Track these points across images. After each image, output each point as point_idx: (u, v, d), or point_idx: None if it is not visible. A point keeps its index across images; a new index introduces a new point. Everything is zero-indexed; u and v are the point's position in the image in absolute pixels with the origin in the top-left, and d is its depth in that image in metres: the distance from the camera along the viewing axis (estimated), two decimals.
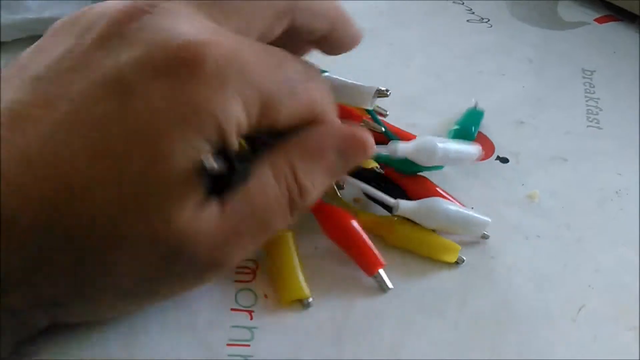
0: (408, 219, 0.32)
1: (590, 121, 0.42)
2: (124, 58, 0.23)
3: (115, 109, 0.23)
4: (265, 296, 0.31)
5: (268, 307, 0.30)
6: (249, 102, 0.24)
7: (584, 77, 0.45)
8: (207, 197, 0.24)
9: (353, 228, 0.31)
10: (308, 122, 0.27)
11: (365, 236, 0.31)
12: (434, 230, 0.33)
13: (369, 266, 0.31)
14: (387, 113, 0.37)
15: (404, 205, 0.32)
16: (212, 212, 0.24)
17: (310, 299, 0.30)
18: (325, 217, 0.32)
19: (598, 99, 0.44)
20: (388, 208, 0.33)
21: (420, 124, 0.40)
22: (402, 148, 0.32)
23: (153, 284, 0.25)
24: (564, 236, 0.34)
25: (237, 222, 0.25)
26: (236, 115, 0.24)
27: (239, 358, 0.28)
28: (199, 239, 0.24)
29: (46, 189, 0.22)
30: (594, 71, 0.46)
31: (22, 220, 0.22)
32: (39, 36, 0.27)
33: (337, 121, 0.29)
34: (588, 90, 0.44)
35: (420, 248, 0.33)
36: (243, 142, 0.27)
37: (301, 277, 0.31)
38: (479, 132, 0.40)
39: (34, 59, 0.25)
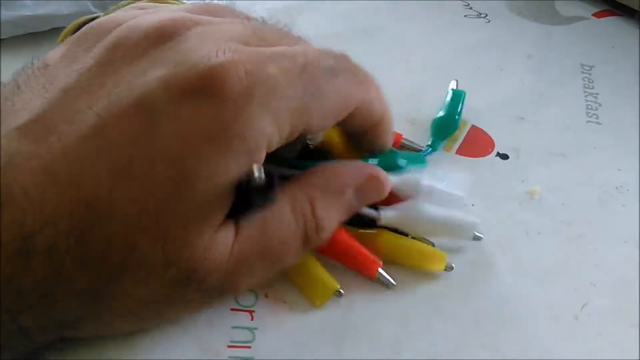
0: (391, 230, 0.32)
1: (590, 116, 0.42)
2: (153, 77, 0.23)
3: (141, 128, 0.22)
4: (266, 295, 0.30)
5: (269, 307, 0.30)
6: (279, 114, 0.24)
7: (582, 72, 0.45)
8: (224, 221, 0.24)
9: (343, 236, 0.30)
10: (348, 116, 0.28)
11: (356, 242, 0.31)
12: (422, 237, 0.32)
13: (367, 269, 0.31)
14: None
15: (387, 215, 0.31)
16: (228, 237, 0.24)
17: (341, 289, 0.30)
18: None
19: (597, 94, 0.43)
20: (371, 221, 0.31)
21: (419, 119, 0.39)
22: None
23: (161, 307, 0.25)
24: (565, 233, 0.34)
25: (250, 252, 0.25)
26: (266, 131, 0.24)
27: None
28: (212, 266, 0.24)
29: (68, 207, 0.22)
30: (593, 66, 0.46)
31: (41, 239, 0.21)
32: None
33: (379, 106, 0.29)
34: (587, 86, 0.44)
35: (406, 260, 0.32)
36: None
37: (325, 273, 0.30)
38: (478, 129, 0.40)
39: (63, 68, 0.25)
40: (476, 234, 0.32)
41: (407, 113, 0.40)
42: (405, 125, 0.40)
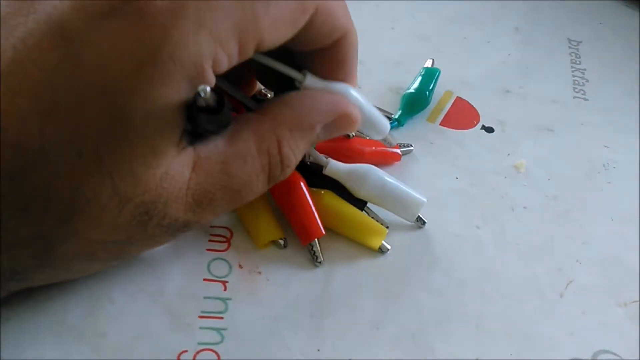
0: (337, 197, 0.30)
1: (577, 92, 0.41)
2: (66, 1, 0.20)
3: (61, 60, 0.20)
4: (240, 266, 0.29)
5: (243, 278, 0.28)
6: (219, 29, 0.21)
7: (570, 48, 0.44)
8: (180, 149, 0.22)
9: (300, 193, 0.29)
10: (305, 27, 0.24)
11: (309, 204, 0.29)
12: (365, 204, 0.31)
13: (305, 235, 0.29)
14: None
15: (335, 166, 0.30)
16: (185, 167, 0.22)
17: (283, 240, 0.29)
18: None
19: (584, 69, 0.42)
20: (317, 166, 0.30)
21: (403, 89, 0.38)
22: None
23: (122, 246, 0.23)
24: (551, 208, 0.33)
25: (211, 187, 0.23)
26: (205, 51, 0.21)
27: (211, 331, 0.26)
28: (170, 197, 0.22)
29: None
30: (580, 42, 0.45)
31: None
32: None
33: (343, 16, 0.26)
34: (574, 61, 0.43)
35: (344, 226, 0.30)
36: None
37: (274, 219, 0.29)
38: (463, 101, 0.39)
39: None
40: (420, 216, 0.31)
41: (390, 82, 0.39)
42: (388, 93, 0.38)
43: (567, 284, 0.30)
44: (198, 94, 0.21)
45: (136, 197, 0.21)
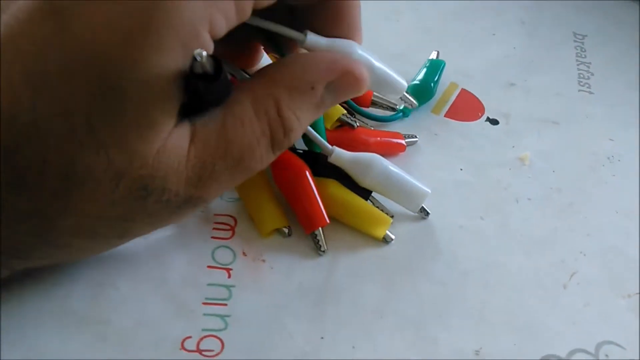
0: (342, 186, 0.30)
1: (582, 85, 0.40)
2: None
3: (52, 31, 0.20)
4: (244, 254, 0.29)
5: (247, 265, 0.28)
6: None
7: (575, 41, 0.44)
8: (177, 122, 0.22)
9: (304, 181, 0.29)
10: None
11: (313, 193, 0.29)
12: (369, 194, 0.31)
13: (309, 224, 0.29)
14: None
15: (340, 154, 0.29)
16: (182, 140, 0.22)
17: (287, 229, 0.29)
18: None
19: (589, 63, 0.42)
20: (323, 155, 0.30)
21: (409, 79, 0.38)
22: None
23: (124, 223, 0.23)
24: (555, 200, 0.33)
25: (210, 156, 0.23)
26: (200, 15, 0.21)
27: (215, 317, 0.26)
28: (169, 171, 0.22)
29: None
30: (586, 35, 0.45)
31: None
32: None
33: None
34: (579, 55, 0.43)
35: (349, 215, 0.30)
36: None
37: (279, 207, 0.29)
38: (468, 93, 0.39)
39: None
40: (424, 207, 0.31)
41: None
42: None
43: (571, 276, 0.30)
44: (194, 58, 0.20)
45: (133, 172, 0.21)
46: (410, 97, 0.31)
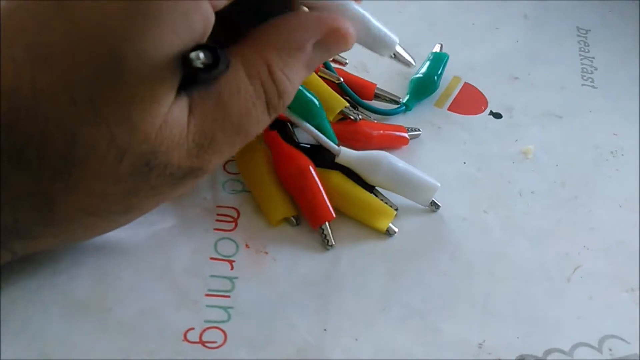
0: (346, 177, 0.30)
1: (585, 80, 0.40)
2: None
3: (53, 6, 0.20)
4: (247, 246, 0.29)
5: (250, 257, 0.28)
6: None
7: (578, 36, 0.44)
8: (175, 97, 0.22)
9: (309, 175, 0.29)
10: None
11: (318, 187, 0.29)
12: (375, 190, 0.31)
13: (314, 218, 0.29)
14: (347, 62, 0.35)
15: (347, 153, 0.29)
16: (181, 113, 0.22)
17: (295, 218, 0.29)
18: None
19: (593, 57, 0.42)
20: (330, 155, 0.30)
21: (411, 73, 0.38)
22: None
23: (127, 199, 0.23)
24: (559, 194, 0.33)
25: (209, 126, 0.23)
26: None
27: (218, 309, 0.26)
28: (171, 145, 0.22)
29: None
30: (589, 30, 0.44)
31: None
32: None
33: None
34: (583, 49, 0.43)
35: (352, 207, 0.30)
36: None
37: (287, 196, 0.29)
38: (472, 86, 0.38)
39: None
40: (434, 200, 0.31)
41: (398, 66, 0.38)
42: (397, 78, 0.38)
43: (575, 269, 0.30)
44: (192, 60, 0.20)
45: (136, 147, 0.21)
46: (404, 54, 0.30)
